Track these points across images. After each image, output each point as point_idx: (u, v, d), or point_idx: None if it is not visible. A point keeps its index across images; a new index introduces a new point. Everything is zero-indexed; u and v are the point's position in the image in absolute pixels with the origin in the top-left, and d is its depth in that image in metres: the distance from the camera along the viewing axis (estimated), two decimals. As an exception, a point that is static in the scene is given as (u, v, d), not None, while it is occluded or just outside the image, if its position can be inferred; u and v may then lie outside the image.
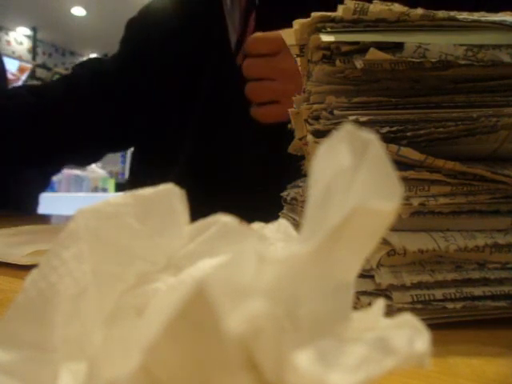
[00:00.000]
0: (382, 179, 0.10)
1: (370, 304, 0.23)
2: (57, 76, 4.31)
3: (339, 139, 0.11)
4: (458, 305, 0.23)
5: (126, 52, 0.79)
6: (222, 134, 0.62)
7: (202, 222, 0.15)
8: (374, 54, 0.24)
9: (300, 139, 0.34)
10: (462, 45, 0.24)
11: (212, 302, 0.09)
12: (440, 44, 0.24)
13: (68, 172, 3.24)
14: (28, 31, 4.42)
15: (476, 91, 0.25)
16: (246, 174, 0.61)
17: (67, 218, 0.86)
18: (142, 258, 0.14)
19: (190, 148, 0.67)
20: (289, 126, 0.36)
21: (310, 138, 0.27)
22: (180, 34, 0.72)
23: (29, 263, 0.35)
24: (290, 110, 0.34)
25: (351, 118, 0.24)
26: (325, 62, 0.26)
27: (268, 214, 0.27)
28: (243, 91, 0.53)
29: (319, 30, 0.26)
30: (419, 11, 0.25)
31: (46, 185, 1.74)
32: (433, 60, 0.24)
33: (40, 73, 4.33)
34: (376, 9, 0.25)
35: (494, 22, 0.25)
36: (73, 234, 0.13)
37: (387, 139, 0.24)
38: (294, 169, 0.38)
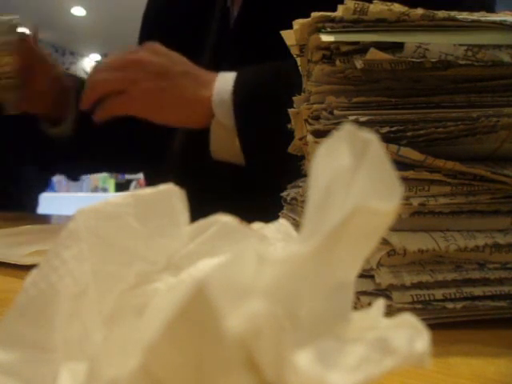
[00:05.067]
0: (382, 179, 0.10)
1: (370, 304, 0.23)
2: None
3: (339, 139, 0.11)
4: (458, 305, 0.23)
5: (145, 27, 0.79)
6: None
7: (201, 222, 0.15)
8: (374, 54, 0.24)
9: (300, 139, 0.34)
10: (461, 45, 0.24)
11: (212, 302, 0.09)
12: (440, 44, 0.24)
13: (68, 172, 3.23)
14: (28, 31, 4.42)
15: (476, 91, 0.25)
16: (245, 172, 0.60)
17: (67, 218, 0.86)
18: (142, 258, 0.14)
19: (183, 137, 0.66)
20: (289, 125, 0.36)
21: (309, 137, 0.27)
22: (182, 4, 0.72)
23: (29, 263, 0.35)
24: (289, 110, 0.34)
25: (351, 118, 0.24)
26: (325, 62, 0.26)
27: (268, 214, 0.27)
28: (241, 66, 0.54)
29: (319, 30, 0.26)
30: (419, 11, 0.25)
31: (46, 185, 1.74)
32: (433, 60, 0.24)
33: (40, 73, 4.32)
34: (376, 9, 0.25)
35: (494, 22, 0.25)
36: (73, 234, 0.13)
37: (387, 139, 0.24)
38: (295, 169, 0.38)
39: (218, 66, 0.60)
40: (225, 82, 0.52)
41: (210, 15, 0.69)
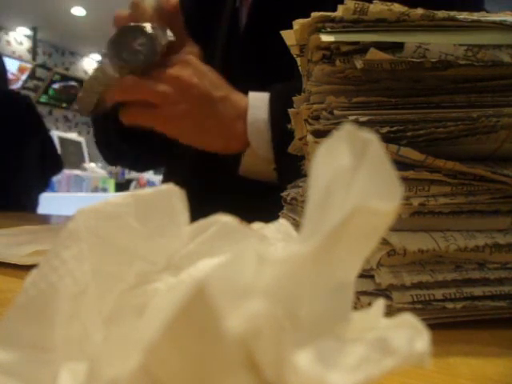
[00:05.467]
0: (382, 179, 0.10)
1: (370, 304, 0.23)
2: (57, 76, 4.31)
3: (339, 139, 0.11)
4: (458, 305, 0.23)
5: None
6: None
7: (201, 222, 0.15)
8: (374, 54, 0.24)
9: (300, 139, 0.34)
10: (461, 45, 0.24)
11: (212, 302, 0.09)
12: (440, 44, 0.24)
13: (68, 172, 3.23)
14: (28, 31, 4.42)
15: (476, 91, 0.25)
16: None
17: (67, 218, 0.86)
18: (142, 258, 0.14)
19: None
20: (289, 126, 0.36)
21: (310, 137, 0.27)
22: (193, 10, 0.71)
23: (29, 263, 0.35)
24: (289, 110, 0.34)
25: (351, 117, 0.24)
26: (325, 62, 0.26)
27: (268, 214, 0.27)
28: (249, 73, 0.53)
29: (319, 30, 0.26)
30: (419, 11, 0.25)
31: (46, 185, 1.74)
32: (433, 60, 0.24)
33: (40, 73, 4.33)
34: (376, 9, 0.25)
35: (494, 22, 0.25)
36: (73, 234, 0.13)
37: (387, 139, 0.24)
38: (295, 169, 0.38)
39: (228, 66, 0.59)
40: (258, 107, 0.51)
41: (219, 15, 0.69)
